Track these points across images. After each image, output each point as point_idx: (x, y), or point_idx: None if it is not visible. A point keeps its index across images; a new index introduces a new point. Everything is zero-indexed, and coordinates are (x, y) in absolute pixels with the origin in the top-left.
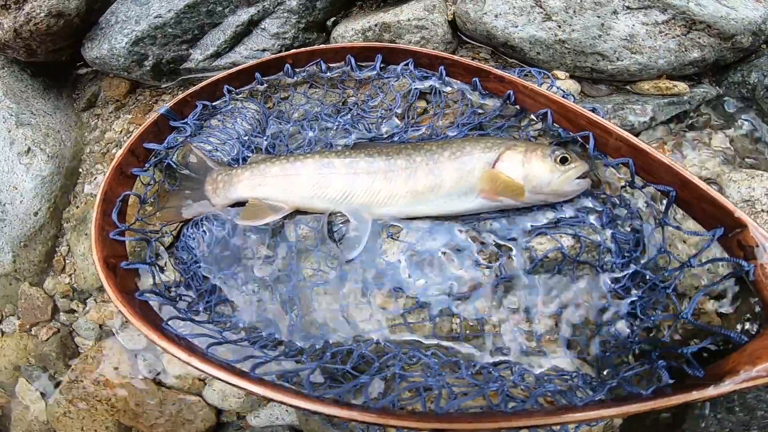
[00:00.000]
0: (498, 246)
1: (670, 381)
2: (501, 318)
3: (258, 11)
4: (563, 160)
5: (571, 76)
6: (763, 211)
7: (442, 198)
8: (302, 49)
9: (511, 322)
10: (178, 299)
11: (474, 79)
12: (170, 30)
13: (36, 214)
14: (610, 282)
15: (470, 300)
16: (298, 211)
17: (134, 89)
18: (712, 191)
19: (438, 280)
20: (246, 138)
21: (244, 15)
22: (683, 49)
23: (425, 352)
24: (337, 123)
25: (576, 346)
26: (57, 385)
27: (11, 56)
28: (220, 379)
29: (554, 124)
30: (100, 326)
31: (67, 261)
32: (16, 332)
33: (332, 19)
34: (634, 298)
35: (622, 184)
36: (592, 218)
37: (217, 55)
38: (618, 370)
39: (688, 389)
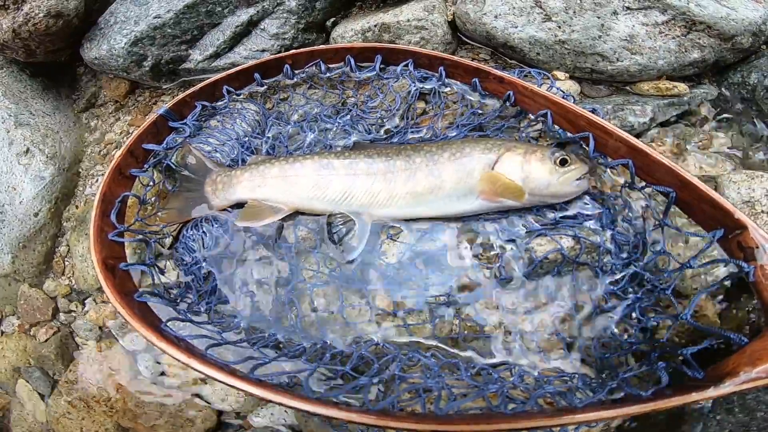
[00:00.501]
0: (497, 247)
1: (670, 382)
2: (500, 319)
3: (257, 12)
4: (563, 162)
5: (571, 77)
6: (763, 212)
7: (442, 199)
8: (302, 50)
9: (510, 323)
10: (177, 300)
11: (474, 79)
12: (169, 30)
13: (36, 215)
14: (609, 283)
15: (470, 301)
16: (297, 213)
17: (134, 90)
18: (712, 192)
19: (438, 281)
20: (245, 139)
21: (243, 15)
22: (683, 50)
23: (425, 353)
24: (336, 124)
25: (575, 347)
26: (56, 385)
27: (10, 56)
28: (219, 381)
29: (554, 125)
30: (100, 327)
31: (67, 262)
32: (16, 333)
33: (332, 19)
34: (633, 299)
35: (622, 185)
36: (591, 219)
37: (216, 55)
38: (618, 371)
39: (688, 390)
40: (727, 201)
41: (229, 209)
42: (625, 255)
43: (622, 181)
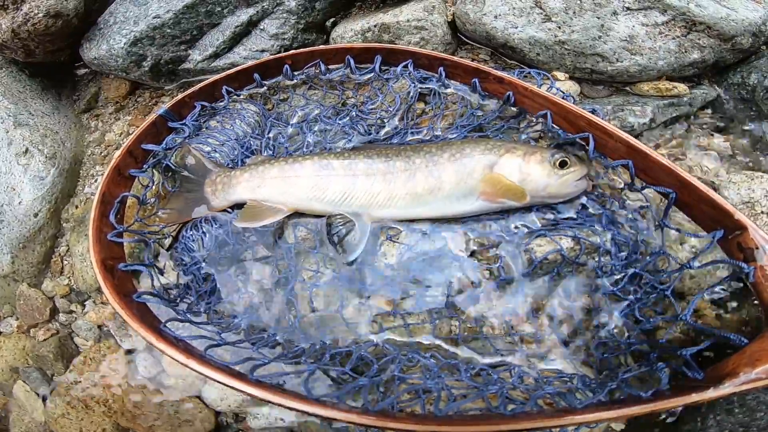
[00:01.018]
0: (497, 247)
1: (670, 383)
2: (500, 320)
3: (257, 12)
4: (562, 164)
5: (571, 78)
6: (762, 212)
7: (442, 200)
8: (301, 50)
9: (510, 324)
10: (177, 301)
11: (473, 80)
12: (169, 30)
13: (35, 215)
14: (609, 284)
15: (470, 302)
16: (297, 213)
17: (134, 90)
18: (711, 193)
19: (437, 282)
20: (245, 140)
21: (243, 15)
22: (683, 51)
23: (424, 354)
24: (336, 125)
25: (575, 348)
26: (55, 386)
27: (9, 56)
28: (217, 382)
29: (554, 126)
30: (99, 327)
31: (66, 262)
32: (15, 333)
33: (331, 19)
34: (633, 300)
35: (622, 185)
36: (591, 220)
37: (215, 55)
38: (617, 372)
39: (688, 391)
40: (727, 202)
41: (229, 210)
42: (624, 256)
43: (622, 182)
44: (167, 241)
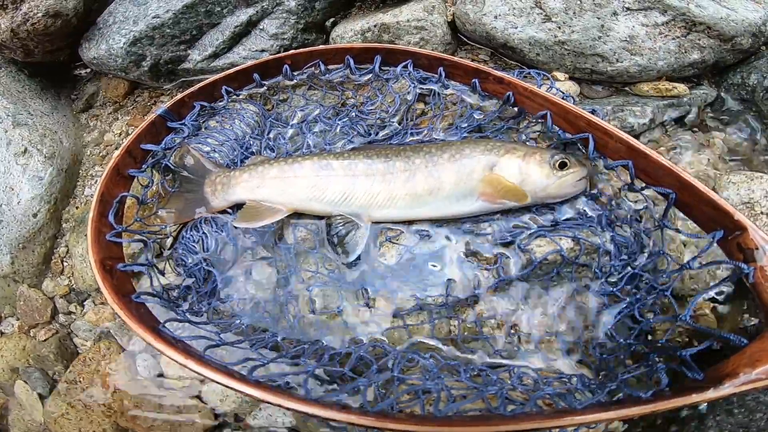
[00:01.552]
0: (497, 248)
1: (669, 383)
2: (500, 320)
3: (256, 12)
4: (562, 165)
5: (571, 78)
6: (762, 213)
7: (442, 200)
8: (301, 50)
9: (509, 324)
10: (176, 301)
11: (473, 80)
12: (168, 30)
13: (35, 215)
14: (608, 284)
15: (469, 302)
16: (296, 213)
17: (133, 90)
18: (711, 193)
19: (437, 283)
20: (245, 140)
21: (242, 15)
22: (683, 51)
23: (423, 355)
24: (336, 125)
25: (575, 348)
26: (55, 386)
27: (8, 56)
28: (216, 382)
29: (554, 126)
30: (99, 327)
31: (66, 263)
32: (15, 333)
33: (331, 19)
34: (632, 301)
35: (622, 186)
36: (591, 221)
37: (215, 55)
38: (617, 372)
39: (688, 392)
40: (727, 202)
41: (229, 210)
42: (624, 256)
43: (621, 182)
44: (168, 242)
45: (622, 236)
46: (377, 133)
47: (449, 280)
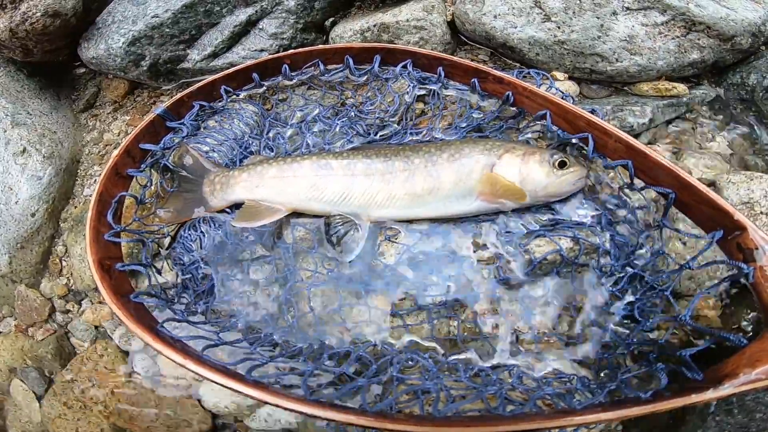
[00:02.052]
0: (496, 248)
1: (669, 384)
2: (499, 320)
3: (256, 11)
4: (561, 164)
5: (570, 78)
6: (762, 213)
7: (441, 200)
8: (300, 50)
9: (509, 325)
10: (174, 301)
11: (473, 80)
12: (167, 30)
13: (33, 215)
14: (608, 284)
15: (468, 302)
16: (295, 213)
17: (132, 90)
18: (711, 193)
19: (436, 282)
20: (244, 139)
21: (242, 15)
22: (683, 51)
23: (423, 355)
24: (335, 125)
25: (574, 348)
26: (52, 386)
27: (7, 56)
28: (214, 382)
29: (553, 126)
30: (96, 327)
31: (64, 262)
32: (12, 333)
33: (330, 19)
34: (632, 301)
35: (621, 185)
36: (590, 220)
37: (214, 55)
38: (616, 372)
39: (687, 392)
40: (727, 202)
41: (228, 210)
42: (624, 256)
43: (621, 182)
44: (166, 241)
45: (621, 236)
46: (376, 133)
47: (449, 279)
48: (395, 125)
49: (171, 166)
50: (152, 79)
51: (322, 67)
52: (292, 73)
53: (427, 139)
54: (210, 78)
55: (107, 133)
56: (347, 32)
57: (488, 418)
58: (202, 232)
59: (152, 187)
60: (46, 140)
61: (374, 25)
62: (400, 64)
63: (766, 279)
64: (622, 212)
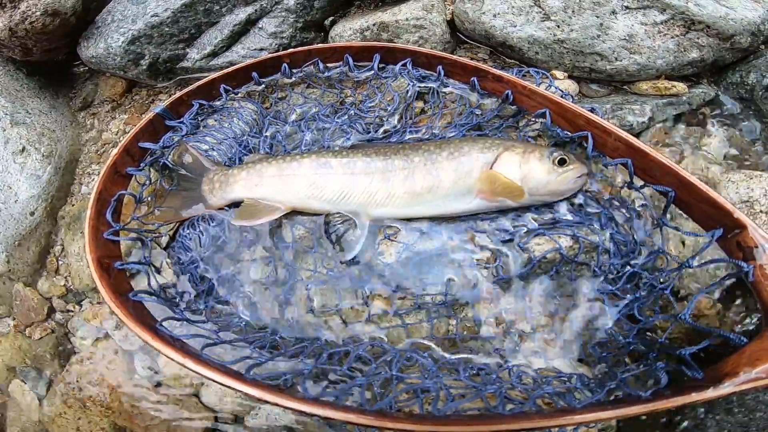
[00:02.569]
0: (495, 246)
1: (669, 382)
2: (498, 319)
3: (255, 10)
4: (561, 162)
5: (570, 76)
6: (761, 211)
7: (440, 198)
8: (300, 49)
9: (508, 323)
10: (173, 299)
11: (472, 78)
12: (167, 29)
13: (32, 213)
14: (608, 283)
15: (468, 301)
16: (295, 212)
17: (131, 89)
18: (711, 192)
19: (435, 281)
20: (243, 138)
21: (241, 14)
22: (682, 50)
23: (422, 353)
24: (334, 124)
25: (574, 347)
26: (51, 385)
27: (6, 55)
28: (214, 381)
29: (553, 125)
30: (96, 326)
31: (62, 261)
32: (11, 333)
33: (330, 18)
34: (632, 299)
35: (621, 184)
36: (590, 219)
37: (214, 54)
38: (616, 371)
39: (687, 391)
40: (726, 200)
41: (227, 208)
42: (623, 255)
43: (621, 180)
44: (164, 240)
45: (621, 234)
46: (376, 132)
47: (448, 278)
48: (395, 123)
49: (170, 165)
50: (151, 78)
51: (321, 65)
52: (292, 72)
53: (427, 137)
54: (209, 77)
55: (106, 131)
56: (347, 31)
57: (488, 417)
58: (201, 230)
59: (151, 186)
60: (45, 139)
61: (374, 24)
62: (400, 63)
63: (766, 277)
64: (621, 211)
